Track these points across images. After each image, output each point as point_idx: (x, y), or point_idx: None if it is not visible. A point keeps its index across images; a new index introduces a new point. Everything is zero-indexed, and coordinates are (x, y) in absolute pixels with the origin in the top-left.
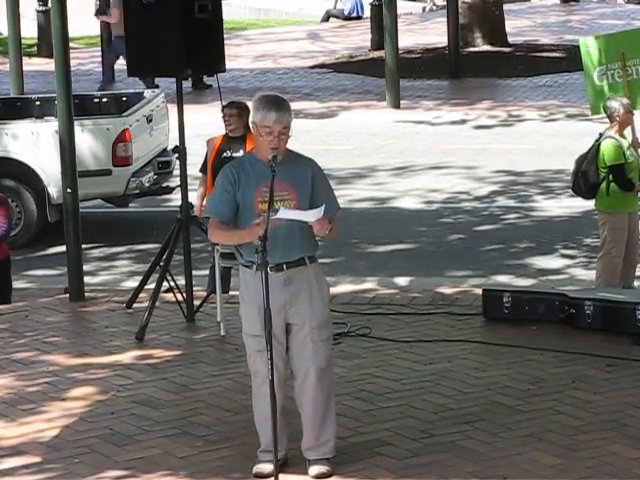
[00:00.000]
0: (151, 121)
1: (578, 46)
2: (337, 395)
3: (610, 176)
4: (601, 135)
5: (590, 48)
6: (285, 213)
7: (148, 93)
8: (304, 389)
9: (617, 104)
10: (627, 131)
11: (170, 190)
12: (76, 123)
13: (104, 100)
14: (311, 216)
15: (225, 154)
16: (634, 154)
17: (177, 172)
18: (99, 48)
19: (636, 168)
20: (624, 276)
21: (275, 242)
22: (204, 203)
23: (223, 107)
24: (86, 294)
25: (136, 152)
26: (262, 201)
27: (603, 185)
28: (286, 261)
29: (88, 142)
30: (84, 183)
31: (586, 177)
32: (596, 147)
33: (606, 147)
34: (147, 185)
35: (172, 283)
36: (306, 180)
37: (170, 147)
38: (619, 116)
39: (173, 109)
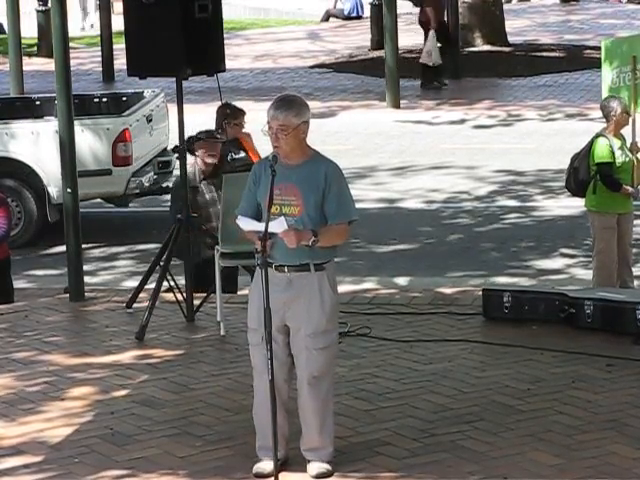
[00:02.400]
0: (151, 121)
1: (578, 46)
2: (337, 395)
3: (598, 174)
4: (597, 134)
5: (610, 49)
6: (245, 224)
7: (148, 93)
8: (300, 394)
9: (614, 104)
10: (626, 132)
11: (170, 190)
12: (76, 123)
13: (104, 100)
14: (274, 228)
15: (230, 157)
16: (628, 155)
17: (177, 172)
18: (99, 48)
19: (627, 170)
20: (620, 275)
21: (279, 243)
22: None
23: (234, 111)
24: (86, 294)
25: (136, 152)
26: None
27: (591, 183)
28: (288, 264)
29: (88, 142)
30: (84, 183)
31: (577, 174)
32: (589, 145)
33: (596, 145)
34: (147, 185)
35: (172, 283)
36: (318, 185)
37: (170, 147)
38: (615, 116)
39: (173, 109)
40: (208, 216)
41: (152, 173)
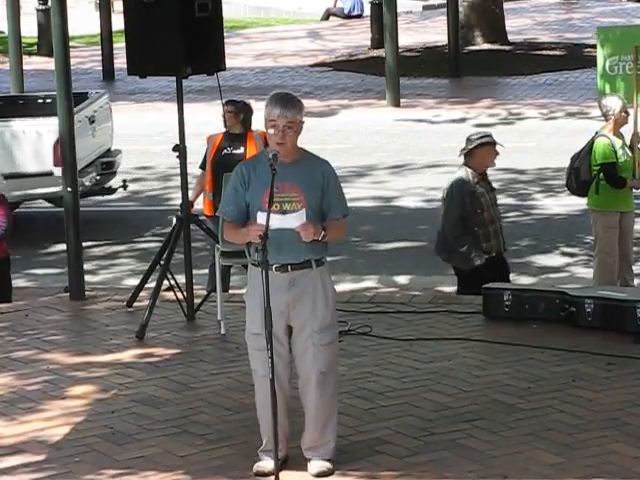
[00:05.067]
0: (94, 122)
1: (578, 44)
2: (338, 393)
3: (601, 174)
4: (596, 133)
5: (606, 37)
6: (263, 218)
7: (92, 94)
8: (306, 391)
9: (612, 103)
10: (625, 130)
11: (113, 191)
12: (18, 124)
13: (47, 101)
14: (292, 221)
15: (226, 151)
16: (628, 153)
17: (119, 171)
18: (99, 47)
19: (628, 168)
20: (621, 274)
21: (281, 243)
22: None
23: (238, 107)
24: (86, 293)
25: (78, 153)
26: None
27: (593, 183)
28: (291, 262)
29: (30, 143)
30: (26, 184)
31: (578, 174)
32: (589, 145)
33: (598, 145)
34: (89, 185)
35: (172, 282)
36: (316, 182)
37: (167, 147)
38: (614, 115)
39: (173, 108)
40: (485, 219)
41: (95, 174)
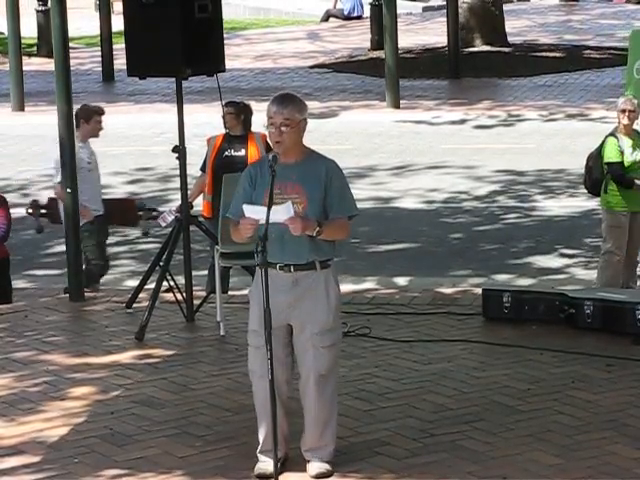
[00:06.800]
0: None
1: (578, 46)
2: (337, 396)
3: (608, 174)
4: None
5: (637, 40)
6: (250, 211)
7: None
8: (305, 392)
9: (620, 104)
10: None
11: None
12: None
13: None
14: (280, 214)
15: (226, 153)
16: (639, 154)
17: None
18: (99, 48)
19: (638, 169)
20: (623, 275)
21: (282, 243)
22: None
23: (223, 106)
24: (86, 294)
25: None
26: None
27: (603, 182)
28: (294, 263)
29: None
30: None
31: (591, 173)
32: (602, 144)
33: (606, 144)
34: None
35: (172, 283)
36: (320, 182)
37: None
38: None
39: (173, 110)
40: None
41: None
